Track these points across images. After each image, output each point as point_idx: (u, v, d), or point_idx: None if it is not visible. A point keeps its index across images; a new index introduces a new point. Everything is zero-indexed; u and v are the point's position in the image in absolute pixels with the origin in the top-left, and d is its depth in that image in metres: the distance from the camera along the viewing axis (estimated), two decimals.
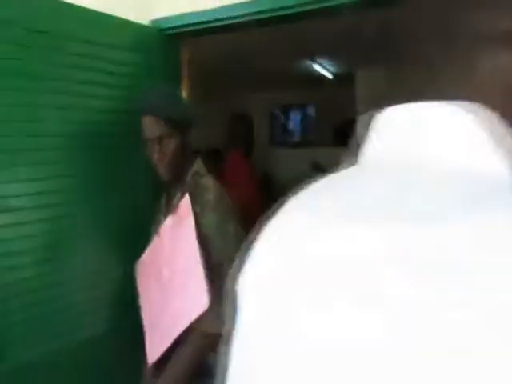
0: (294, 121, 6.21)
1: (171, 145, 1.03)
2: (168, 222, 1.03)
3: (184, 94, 1.74)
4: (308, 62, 4.43)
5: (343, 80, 5.15)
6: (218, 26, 1.55)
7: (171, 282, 1.04)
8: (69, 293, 1.21)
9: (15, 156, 1.10)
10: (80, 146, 1.27)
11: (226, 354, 0.39)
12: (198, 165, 1.09)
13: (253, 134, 2.15)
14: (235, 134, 2.23)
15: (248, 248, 0.40)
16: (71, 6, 1.26)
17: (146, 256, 1.17)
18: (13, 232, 1.07)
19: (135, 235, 1.40)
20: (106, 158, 1.32)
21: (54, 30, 1.20)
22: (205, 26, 1.54)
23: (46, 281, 1.15)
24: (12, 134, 1.10)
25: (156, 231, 1.09)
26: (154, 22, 1.59)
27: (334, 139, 5.55)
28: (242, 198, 1.88)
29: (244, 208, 1.88)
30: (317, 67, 4.60)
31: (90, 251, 1.28)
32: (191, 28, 1.58)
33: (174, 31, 1.60)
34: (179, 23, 1.56)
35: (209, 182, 1.06)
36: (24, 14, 1.12)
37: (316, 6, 1.33)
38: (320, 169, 3.98)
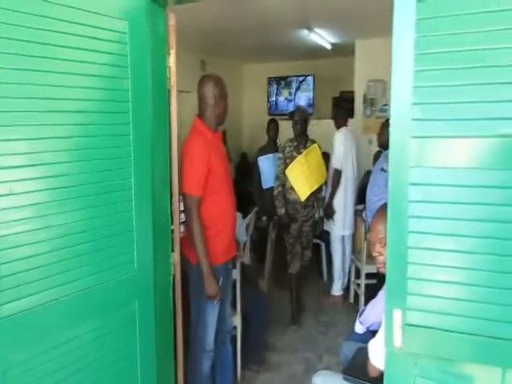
0: (292, 92, 6.18)
1: None
2: None
3: (172, 62, 1.78)
4: (305, 33, 4.38)
5: (342, 50, 5.10)
6: None
7: None
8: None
9: (9, 116, 1.18)
10: (69, 109, 1.32)
11: None
12: None
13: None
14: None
15: None
16: None
17: None
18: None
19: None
20: (92, 122, 1.39)
21: None
22: None
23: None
24: (10, 96, 1.17)
25: None
26: None
27: (333, 109, 5.56)
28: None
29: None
30: (315, 37, 4.54)
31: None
32: None
33: None
34: None
35: None
36: None
37: None
38: None
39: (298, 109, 3.55)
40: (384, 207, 1.48)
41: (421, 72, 1.05)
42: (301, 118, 3.28)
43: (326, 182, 3.58)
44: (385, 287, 1.73)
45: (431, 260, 1.10)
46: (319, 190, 3.37)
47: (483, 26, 0.99)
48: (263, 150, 4.07)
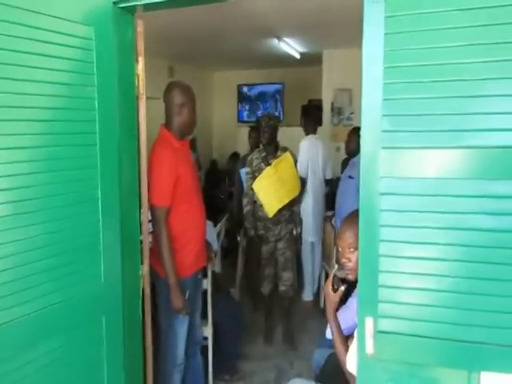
0: (262, 99, 6.23)
1: None
2: None
3: (140, 69, 1.73)
4: (275, 41, 4.43)
5: (310, 59, 5.19)
6: (173, 0, 1.55)
7: None
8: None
9: None
10: (31, 118, 1.26)
11: None
12: None
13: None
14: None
15: None
16: None
17: None
18: None
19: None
20: (56, 131, 1.33)
21: (6, 1, 1.18)
22: None
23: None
24: None
25: None
26: None
27: (302, 118, 5.64)
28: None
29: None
30: (284, 46, 4.59)
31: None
32: (145, 1, 1.57)
33: (128, 4, 1.58)
34: None
35: None
36: None
37: None
38: None
39: (265, 115, 3.15)
40: (352, 214, 1.50)
41: (390, 85, 1.08)
42: (268, 125, 2.87)
43: None
44: (355, 293, 1.75)
45: (401, 268, 1.12)
46: (294, 203, 2.98)
47: (450, 41, 1.03)
48: (244, 161, 3.53)
